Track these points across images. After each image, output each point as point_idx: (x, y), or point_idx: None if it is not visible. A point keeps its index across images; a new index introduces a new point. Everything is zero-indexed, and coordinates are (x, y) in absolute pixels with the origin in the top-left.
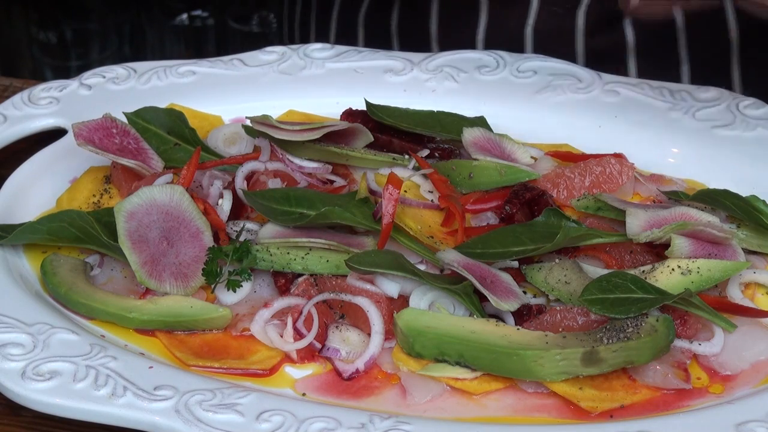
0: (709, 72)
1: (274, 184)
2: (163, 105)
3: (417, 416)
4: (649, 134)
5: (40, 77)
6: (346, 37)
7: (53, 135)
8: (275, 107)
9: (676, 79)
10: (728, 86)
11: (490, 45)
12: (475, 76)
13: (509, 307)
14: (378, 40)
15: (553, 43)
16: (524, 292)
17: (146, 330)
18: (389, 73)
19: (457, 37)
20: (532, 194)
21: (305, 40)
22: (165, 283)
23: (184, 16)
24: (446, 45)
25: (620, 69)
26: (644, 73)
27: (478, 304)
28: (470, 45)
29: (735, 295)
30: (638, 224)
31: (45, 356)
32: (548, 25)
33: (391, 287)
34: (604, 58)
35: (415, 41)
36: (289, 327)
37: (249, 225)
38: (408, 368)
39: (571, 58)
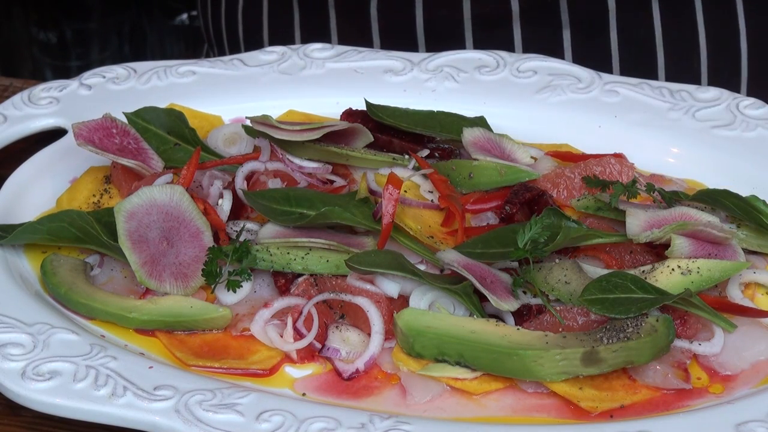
0: (589, 37)
1: (274, 184)
2: (163, 105)
3: (417, 416)
4: (649, 134)
5: (40, 77)
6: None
7: (53, 135)
8: (275, 107)
9: (558, 44)
10: (606, 50)
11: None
12: (475, 76)
13: (509, 307)
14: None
15: (441, 6)
16: (524, 292)
17: (146, 330)
18: (389, 73)
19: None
20: (532, 194)
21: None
22: (165, 283)
23: (184, 16)
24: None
25: (506, 34)
26: (528, 39)
27: (478, 304)
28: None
29: (735, 295)
30: (638, 224)
31: (45, 356)
32: None
33: (391, 287)
34: (491, 24)
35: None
36: (289, 327)
37: (249, 225)
38: (408, 368)
39: (459, 21)
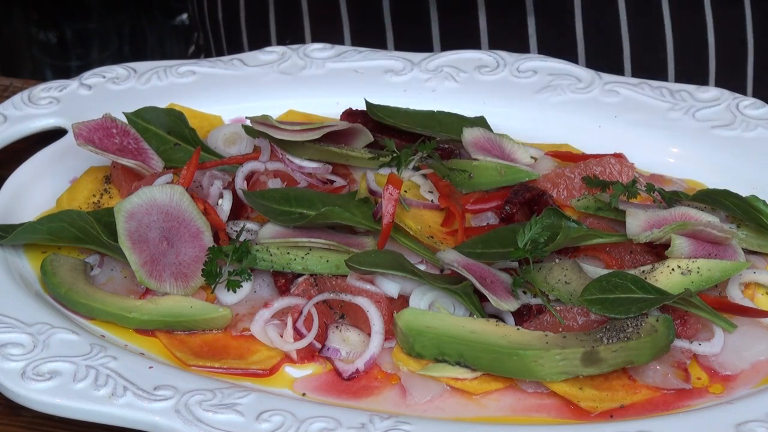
0: (553, 25)
1: (274, 184)
2: (163, 105)
3: (417, 416)
4: (649, 134)
5: (40, 77)
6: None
7: (53, 135)
8: (275, 107)
9: (524, 31)
10: (572, 38)
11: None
12: (475, 76)
13: (509, 307)
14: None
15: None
16: (524, 292)
17: (146, 330)
18: (389, 73)
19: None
20: (532, 194)
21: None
22: (165, 283)
23: (184, 16)
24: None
25: (472, 20)
26: (493, 26)
27: (478, 304)
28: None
29: (735, 295)
30: (638, 224)
31: (45, 356)
32: None
33: (391, 287)
34: (456, 11)
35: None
36: (289, 327)
37: (249, 225)
38: (408, 368)
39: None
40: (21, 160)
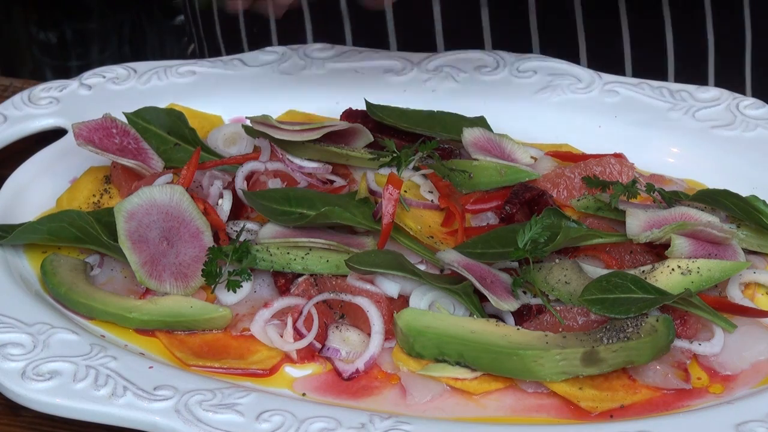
0: (508, 17)
1: (274, 184)
2: (163, 105)
3: (417, 416)
4: (649, 134)
5: (40, 77)
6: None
7: (53, 135)
8: (275, 107)
9: (477, 22)
10: (526, 31)
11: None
12: (475, 76)
13: (509, 307)
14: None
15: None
16: (524, 292)
17: (146, 330)
18: (389, 73)
19: None
20: (532, 194)
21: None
22: (165, 283)
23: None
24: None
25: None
26: (448, 16)
27: (478, 304)
28: None
29: (735, 295)
30: (638, 224)
31: (45, 356)
32: None
33: (391, 287)
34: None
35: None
36: (289, 327)
37: (249, 225)
38: (408, 368)
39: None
40: (21, 160)
